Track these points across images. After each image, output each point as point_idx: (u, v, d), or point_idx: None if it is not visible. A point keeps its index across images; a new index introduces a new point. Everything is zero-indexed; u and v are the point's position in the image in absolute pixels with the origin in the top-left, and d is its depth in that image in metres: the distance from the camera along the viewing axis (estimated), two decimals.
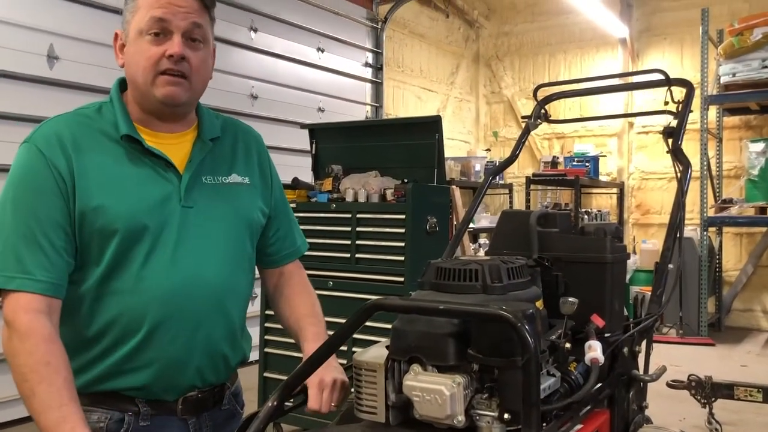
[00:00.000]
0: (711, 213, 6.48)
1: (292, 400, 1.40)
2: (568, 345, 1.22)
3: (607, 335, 1.38)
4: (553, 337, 1.22)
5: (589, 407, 1.27)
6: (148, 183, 1.35)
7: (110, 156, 1.34)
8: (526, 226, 1.45)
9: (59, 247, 1.28)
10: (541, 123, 2.11)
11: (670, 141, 1.83)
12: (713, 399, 3.75)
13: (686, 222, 7.30)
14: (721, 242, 7.26)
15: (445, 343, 1.14)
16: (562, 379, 1.25)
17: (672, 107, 1.94)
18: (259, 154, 1.58)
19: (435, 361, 1.15)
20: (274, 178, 1.60)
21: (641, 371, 1.50)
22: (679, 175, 1.70)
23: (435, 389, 1.11)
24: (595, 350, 1.21)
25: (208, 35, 1.40)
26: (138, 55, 1.34)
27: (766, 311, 7.20)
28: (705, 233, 6.40)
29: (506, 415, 1.09)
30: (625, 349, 1.41)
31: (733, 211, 6.45)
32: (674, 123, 1.89)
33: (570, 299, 1.23)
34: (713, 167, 7.07)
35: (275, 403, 1.20)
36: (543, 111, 2.12)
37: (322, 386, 1.39)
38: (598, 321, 1.29)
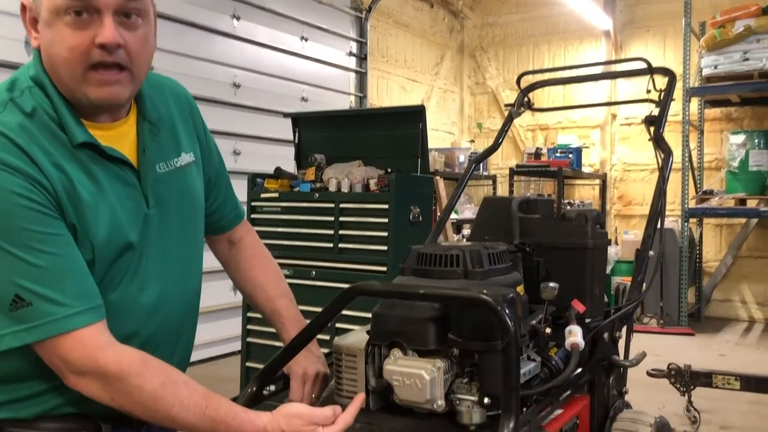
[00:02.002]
0: (692, 204, 6.54)
1: (272, 387, 1.39)
2: (548, 330, 1.22)
3: (587, 321, 1.39)
4: (534, 322, 1.23)
5: (569, 392, 1.28)
6: (115, 193, 1.18)
7: (70, 168, 1.12)
8: (507, 212, 1.45)
9: (83, 262, 1.12)
10: (524, 111, 2.11)
11: (651, 129, 1.84)
12: (692, 387, 3.80)
13: (667, 213, 7.36)
14: (701, 233, 7.33)
15: (426, 327, 1.14)
16: (542, 364, 1.26)
17: (654, 96, 1.94)
18: (193, 116, 1.38)
19: (415, 346, 1.15)
20: (209, 139, 1.42)
21: (621, 357, 1.51)
22: (660, 162, 1.71)
23: (415, 374, 1.11)
24: (575, 335, 1.21)
25: (148, 5, 1.15)
26: (58, 44, 1.08)
27: (745, 301, 7.30)
28: (686, 224, 6.47)
29: (486, 400, 1.09)
30: (606, 335, 1.41)
31: (714, 202, 6.51)
32: (656, 111, 1.89)
33: (550, 284, 1.23)
34: (694, 159, 7.13)
35: (254, 389, 1.19)
36: (526, 99, 2.12)
37: (304, 379, 1.37)
38: (578, 306, 1.29)
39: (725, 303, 7.33)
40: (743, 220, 7.16)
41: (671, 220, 6.75)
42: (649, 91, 1.94)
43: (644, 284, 1.51)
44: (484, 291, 1.01)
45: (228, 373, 4.59)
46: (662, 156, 1.73)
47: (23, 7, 1.13)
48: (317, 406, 1.42)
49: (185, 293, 1.33)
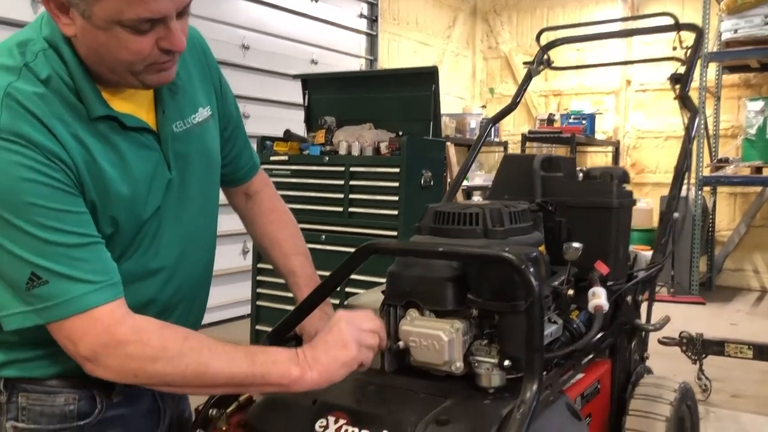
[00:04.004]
0: (706, 172, 6.44)
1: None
2: (570, 292, 1.18)
3: (609, 283, 1.34)
4: (556, 283, 1.18)
5: (591, 356, 1.24)
6: (138, 163, 1.12)
7: (89, 139, 1.06)
8: (529, 170, 1.39)
9: (101, 239, 1.06)
10: (543, 69, 2.04)
11: (677, 88, 1.76)
12: (704, 356, 3.77)
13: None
14: (715, 202, 7.24)
15: (444, 287, 1.10)
16: (563, 328, 1.22)
17: (680, 53, 1.87)
18: (208, 63, 1.30)
19: (433, 306, 1.11)
20: (224, 86, 1.34)
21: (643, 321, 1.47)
22: (686, 122, 1.64)
23: (432, 335, 1.07)
24: (599, 297, 1.16)
25: None
26: (116, 48, 1.03)
27: (757, 271, 7.24)
28: (699, 192, 6.38)
29: (506, 362, 1.05)
30: (629, 298, 1.37)
31: (729, 170, 6.41)
32: (682, 69, 1.82)
33: (574, 244, 1.18)
34: (710, 126, 7.00)
35: None
36: (546, 57, 2.04)
37: None
38: (602, 268, 1.24)
39: (737, 272, 7.27)
40: (758, 189, 7.05)
41: (685, 189, 6.65)
42: (674, 48, 1.86)
43: (669, 246, 1.46)
44: (507, 249, 0.97)
45: (237, 336, 4.60)
46: (688, 115, 1.66)
47: None
48: None
49: (203, 255, 1.30)
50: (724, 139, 7.23)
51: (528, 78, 2.02)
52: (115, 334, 1.02)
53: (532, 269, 0.93)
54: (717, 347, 3.83)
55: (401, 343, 1.13)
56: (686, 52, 1.85)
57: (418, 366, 1.13)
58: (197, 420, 1.09)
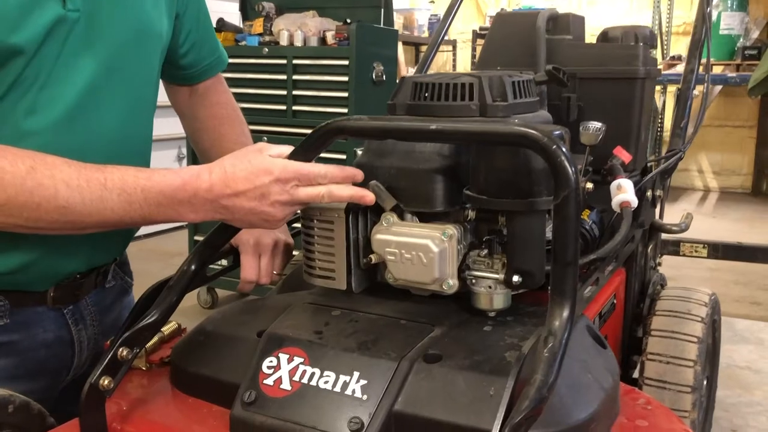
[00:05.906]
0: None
1: (224, 261, 1.09)
2: (589, 185, 0.91)
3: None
4: None
5: (613, 266, 1.00)
6: None
7: None
8: (530, 31, 1.09)
9: None
10: None
11: None
12: (660, 255, 3.75)
13: None
14: (664, 101, 7.14)
15: (432, 181, 0.82)
16: None
17: None
18: None
19: (417, 207, 0.83)
20: None
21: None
22: None
23: (418, 244, 0.80)
24: (626, 191, 0.91)
25: None
26: None
27: (702, 171, 7.30)
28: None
29: (516, 278, 0.80)
30: (648, 193, 1.12)
31: (680, 68, 6.27)
32: None
33: (593, 124, 0.91)
34: (663, 23, 6.80)
35: (192, 267, 0.86)
36: None
37: (258, 250, 1.07)
38: (623, 155, 0.98)
39: (682, 172, 7.30)
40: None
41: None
42: None
43: (689, 129, 1.22)
44: (528, 125, 0.69)
45: (176, 247, 4.38)
46: None
47: None
48: (279, 285, 1.14)
49: (111, 148, 0.98)
50: (676, 36, 7.06)
51: None
52: None
53: (564, 152, 0.66)
54: (673, 247, 3.86)
55: (374, 257, 0.86)
56: None
57: (396, 285, 0.87)
58: (102, 363, 0.80)
